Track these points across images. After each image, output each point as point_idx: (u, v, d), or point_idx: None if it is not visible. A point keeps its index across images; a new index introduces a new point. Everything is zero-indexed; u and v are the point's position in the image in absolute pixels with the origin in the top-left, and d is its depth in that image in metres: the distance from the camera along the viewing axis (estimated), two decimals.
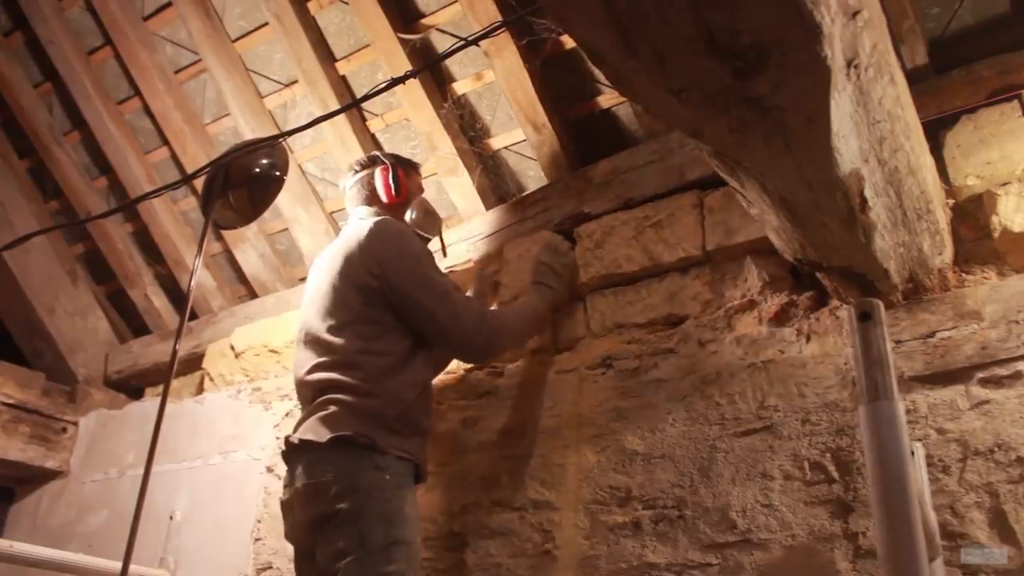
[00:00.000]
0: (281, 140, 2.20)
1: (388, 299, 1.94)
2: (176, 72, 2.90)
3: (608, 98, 2.35)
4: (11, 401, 3.03)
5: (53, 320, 3.27)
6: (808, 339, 1.85)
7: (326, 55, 2.62)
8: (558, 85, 2.38)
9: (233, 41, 2.74)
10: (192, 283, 1.98)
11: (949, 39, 1.96)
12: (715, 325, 1.99)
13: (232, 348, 2.92)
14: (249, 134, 2.72)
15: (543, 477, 2.06)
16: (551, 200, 2.36)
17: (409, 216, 2.17)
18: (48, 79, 3.12)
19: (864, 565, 1.60)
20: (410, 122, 2.59)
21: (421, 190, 2.27)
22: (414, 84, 2.35)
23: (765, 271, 1.98)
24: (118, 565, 1.76)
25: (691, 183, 2.13)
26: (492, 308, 2.21)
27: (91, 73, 2.99)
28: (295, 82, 2.70)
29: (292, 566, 1.93)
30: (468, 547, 2.10)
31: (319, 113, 2.43)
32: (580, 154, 2.40)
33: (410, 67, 2.27)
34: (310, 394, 1.95)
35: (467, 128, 2.53)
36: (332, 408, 1.86)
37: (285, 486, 1.91)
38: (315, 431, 1.85)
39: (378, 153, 2.26)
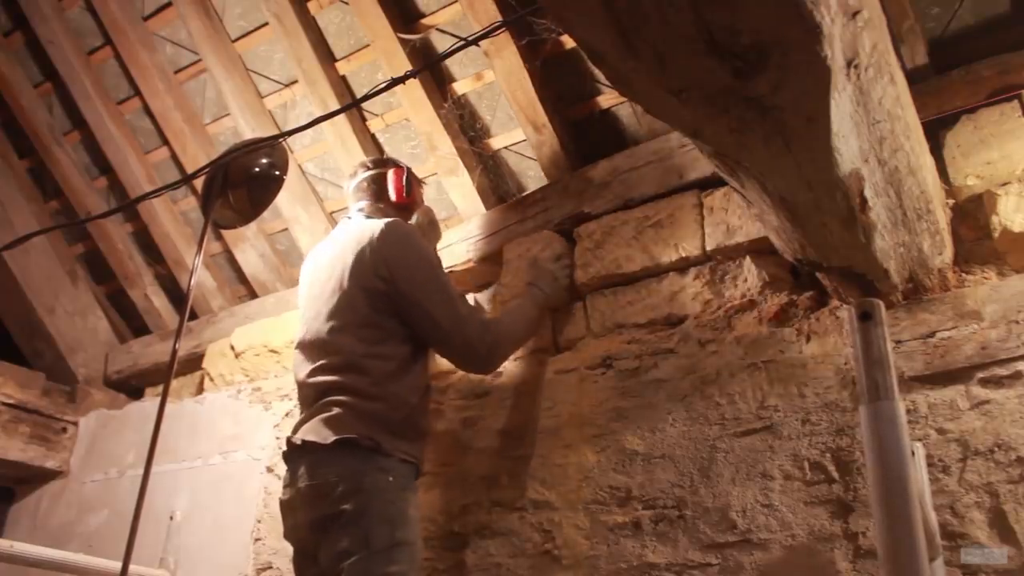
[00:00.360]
0: (281, 140, 2.20)
1: (394, 302, 1.93)
2: (176, 72, 2.90)
3: (608, 98, 2.35)
4: (11, 401, 3.03)
5: (53, 320, 3.27)
6: (808, 339, 1.85)
7: (326, 55, 2.62)
8: (558, 85, 2.38)
9: (233, 41, 2.74)
10: (192, 283, 1.98)
11: (949, 39, 1.96)
12: (715, 325, 1.99)
13: (232, 348, 2.92)
14: (249, 134, 2.72)
15: (543, 477, 2.06)
16: (551, 200, 2.36)
17: (415, 219, 2.19)
18: (48, 79, 3.12)
19: (864, 565, 1.60)
20: (410, 122, 2.59)
21: (424, 202, 2.31)
22: (414, 84, 2.35)
23: (765, 271, 1.98)
24: (118, 565, 1.76)
25: (691, 183, 2.13)
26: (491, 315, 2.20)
27: (91, 73, 2.99)
28: (295, 82, 2.70)
29: (292, 566, 1.93)
30: (468, 547, 2.10)
31: (319, 113, 2.43)
32: (580, 154, 2.40)
33: (410, 67, 2.27)
34: (312, 395, 1.94)
35: (467, 128, 2.53)
36: (336, 410, 1.86)
37: (285, 486, 1.90)
38: (318, 432, 1.84)
39: (392, 158, 2.30)
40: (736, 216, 2.03)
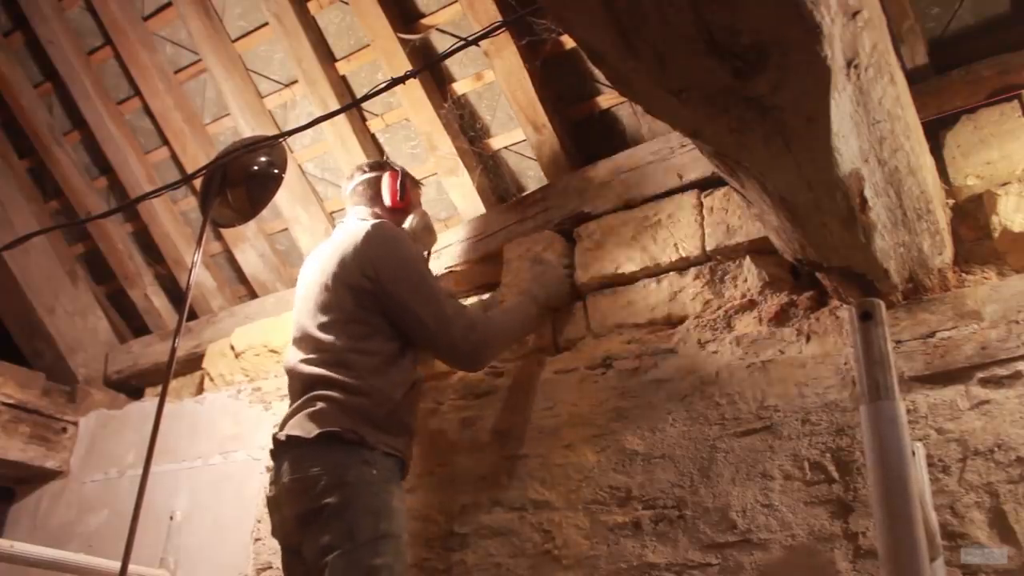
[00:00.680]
0: (281, 140, 2.21)
1: (380, 302, 1.95)
2: (176, 72, 2.90)
3: (608, 98, 2.35)
4: (11, 401, 3.03)
5: (53, 320, 3.27)
6: (808, 339, 1.84)
7: (326, 55, 2.62)
8: (558, 85, 2.38)
9: (233, 41, 2.74)
10: (191, 280, 1.98)
11: (949, 39, 1.96)
12: (715, 325, 1.99)
13: (232, 348, 2.92)
14: (249, 134, 2.72)
15: (543, 477, 2.06)
16: (551, 200, 2.36)
17: (409, 223, 2.20)
18: (48, 79, 3.12)
19: (864, 565, 1.60)
20: (410, 122, 2.59)
21: (420, 205, 2.31)
22: (414, 84, 2.35)
23: (765, 271, 1.98)
24: (118, 565, 1.76)
25: (691, 183, 2.13)
26: (486, 313, 2.19)
27: (91, 73, 2.99)
28: (295, 82, 2.70)
29: (281, 564, 1.93)
30: (468, 547, 2.10)
31: (319, 113, 2.43)
32: (580, 154, 2.40)
33: (410, 67, 2.27)
34: (300, 388, 1.96)
35: (467, 128, 2.53)
36: (320, 404, 1.87)
37: (271, 483, 1.91)
38: (302, 427, 1.85)
39: (388, 161, 2.30)
40: (736, 216, 2.03)
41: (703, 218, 2.10)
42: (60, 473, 3.11)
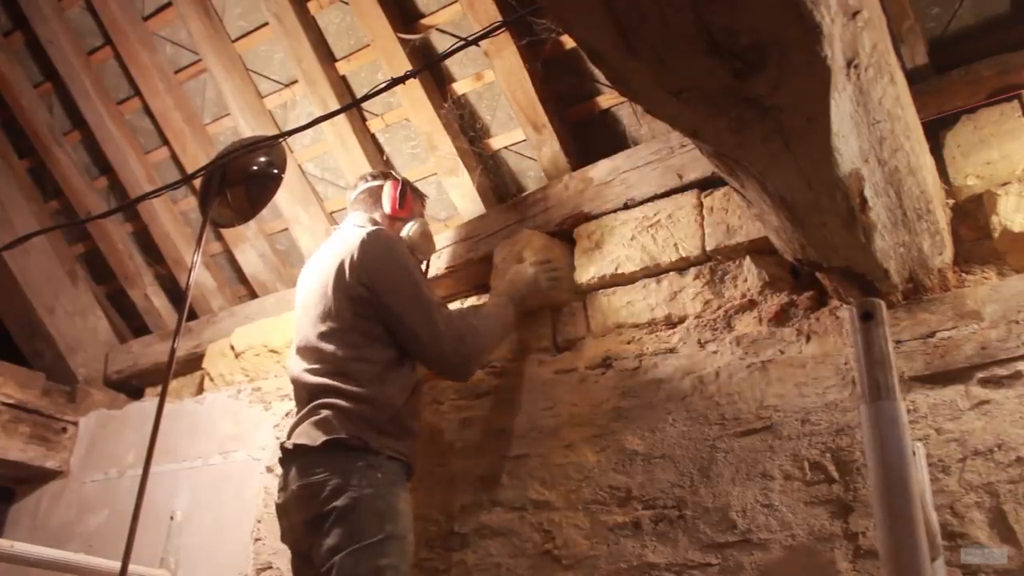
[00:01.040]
0: (281, 140, 2.21)
1: (376, 310, 1.98)
2: (176, 72, 2.90)
3: (608, 98, 2.35)
4: (11, 401, 3.03)
5: (53, 320, 3.27)
6: (808, 339, 1.84)
7: (326, 55, 2.62)
8: (558, 85, 2.38)
9: (233, 41, 2.74)
10: (190, 280, 1.98)
11: (949, 39, 1.96)
12: (715, 325, 1.99)
13: (232, 348, 2.92)
14: (249, 134, 2.72)
15: (543, 477, 2.06)
16: (551, 200, 2.36)
17: (407, 230, 2.21)
18: (48, 79, 3.12)
19: (864, 565, 1.60)
20: (410, 122, 2.59)
21: (422, 215, 2.32)
22: (414, 84, 2.35)
23: (765, 271, 1.98)
24: (118, 565, 1.76)
25: (691, 183, 2.13)
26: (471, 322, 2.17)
27: (91, 73, 2.99)
28: (295, 82, 2.70)
29: (291, 570, 1.94)
30: (468, 547, 2.10)
31: (319, 113, 2.43)
32: (580, 154, 2.40)
33: (410, 67, 2.27)
34: (305, 397, 1.99)
35: (467, 128, 2.53)
36: (325, 413, 1.90)
37: (280, 490, 1.95)
38: (308, 435, 1.89)
39: (394, 171, 2.33)
40: (736, 216, 2.03)
41: (703, 218, 2.10)
42: (60, 473, 3.11)
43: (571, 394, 2.11)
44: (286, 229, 2.96)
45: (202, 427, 2.82)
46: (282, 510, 1.93)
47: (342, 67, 2.63)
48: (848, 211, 1.38)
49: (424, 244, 2.25)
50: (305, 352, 2.03)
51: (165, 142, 3.02)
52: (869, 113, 1.27)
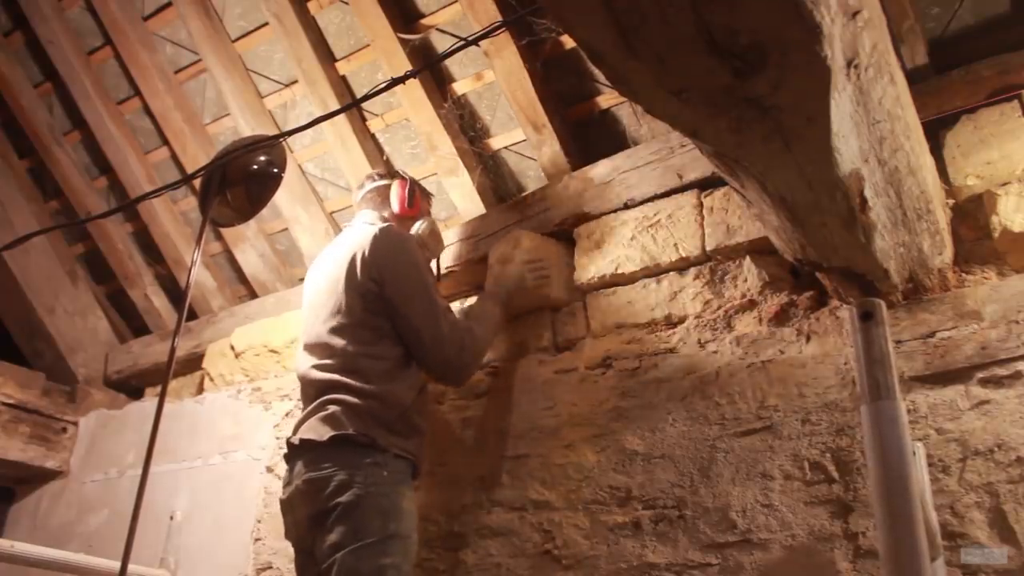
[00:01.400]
0: (281, 140, 2.21)
1: (385, 306, 1.98)
2: (176, 72, 2.90)
3: (608, 98, 2.35)
4: (11, 401, 3.03)
5: (53, 320, 3.27)
6: (808, 339, 1.85)
7: (326, 55, 2.62)
8: (558, 85, 2.38)
9: (233, 41, 2.74)
10: (190, 279, 1.98)
11: (949, 39, 1.96)
12: (715, 325, 1.99)
13: (232, 348, 2.92)
14: (249, 134, 2.72)
15: (543, 477, 2.06)
16: (551, 200, 2.36)
17: (416, 229, 2.21)
18: (48, 79, 3.12)
19: (864, 565, 1.60)
20: (410, 122, 2.59)
21: (429, 214, 2.33)
22: (414, 84, 2.35)
23: (765, 271, 1.98)
24: (118, 565, 1.76)
25: (691, 183, 2.13)
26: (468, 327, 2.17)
27: (91, 73, 2.99)
28: (295, 82, 2.70)
29: (292, 566, 1.94)
30: (468, 547, 2.10)
31: (319, 113, 2.43)
32: (580, 154, 2.40)
33: (410, 67, 2.27)
34: (312, 393, 1.98)
35: (467, 128, 2.53)
36: (332, 408, 1.89)
37: (285, 485, 1.94)
38: (315, 431, 1.88)
39: (400, 170, 2.33)
40: (736, 216, 2.03)
41: (703, 218, 2.10)
42: (60, 473, 3.11)
43: (571, 394, 2.11)
44: (286, 229, 2.96)
45: (202, 427, 2.82)
46: (286, 505, 1.92)
47: (342, 67, 2.63)
48: (848, 211, 1.38)
49: (433, 242, 2.26)
50: (314, 348, 2.03)
51: (165, 142, 3.02)
52: (869, 113, 1.27)
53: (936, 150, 1.87)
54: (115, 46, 2.90)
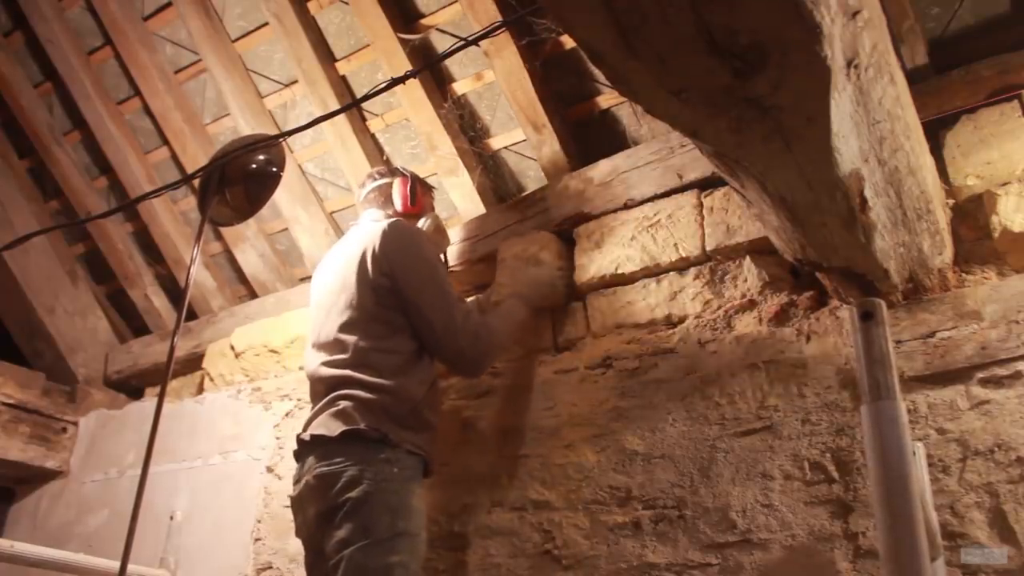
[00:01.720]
0: (281, 140, 2.21)
1: (398, 299, 1.97)
2: (176, 72, 2.90)
3: (608, 98, 2.35)
4: (11, 401, 3.03)
5: (53, 320, 3.27)
6: (808, 339, 1.84)
7: (326, 55, 2.62)
8: (558, 85, 2.38)
9: (233, 41, 2.74)
10: (190, 279, 1.97)
11: (949, 39, 1.96)
12: (715, 325, 1.99)
13: (232, 348, 2.92)
14: (249, 134, 2.72)
15: (543, 477, 2.06)
16: (551, 200, 2.36)
17: (421, 225, 2.21)
18: (48, 79, 3.12)
19: (864, 565, 1.60)
20: (410, 122, 2.59)
21: (433, 209, 2.33)
22: (414, 84, 2.35)
23: (765, 271, 1.98)
24: (118, 565, 1.76)
25: (691, 183, 2.13)
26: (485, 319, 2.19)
27: (91, 73, 2.99)
28: (295, 82, 2.70)
29: (292, 566, 1.94)
30: (468, 547, 2.10)
31: (319, 113, 2.43)
32: (580, 154, 2.40)
33: (410, 67, 2.27)
34: (323, 390, 1.97)
35: (467, 128, 2.53)
36: (343, 404, 1.89)
37: (295, 482, 1.93)
38: (326, 426, 1.87)
39: (400, 168, 2.33)
40: (736, 216, 2.03)
41: (703, 218, 2.10)
42: (60, 473, 3.11)
43: (571, 394, 2.11)
44: (286, 229, 2.96)
45: (202, 427, 2.82)
46: (296, 503, 1.91)
47: (342, 67, 2.63)
48: (848, 211, 1.38)
49: (439, 238, 2.26)
50: (324, 346, 2.02)
51: (165, 142, 3.02)
52: (869, 113, 1.27)
53: (936, 150, 1.87)
54: (115, 46, 2.90)
